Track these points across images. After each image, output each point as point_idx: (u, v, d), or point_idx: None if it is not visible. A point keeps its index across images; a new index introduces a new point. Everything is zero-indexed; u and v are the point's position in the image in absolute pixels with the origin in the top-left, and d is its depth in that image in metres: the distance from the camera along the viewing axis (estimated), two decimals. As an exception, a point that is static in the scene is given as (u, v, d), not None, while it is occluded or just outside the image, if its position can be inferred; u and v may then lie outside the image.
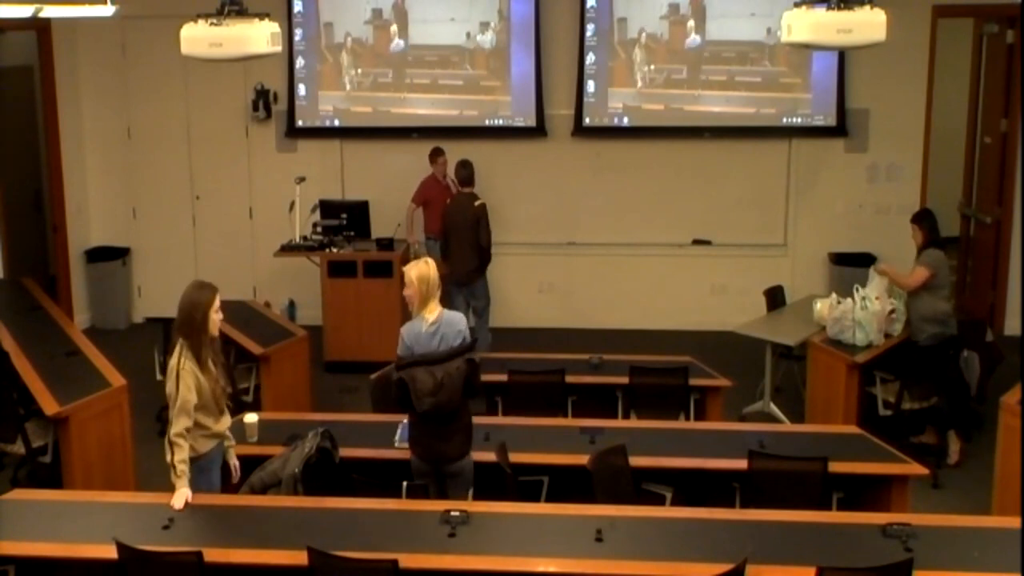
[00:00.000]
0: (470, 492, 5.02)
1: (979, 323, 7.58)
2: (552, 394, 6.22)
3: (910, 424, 6.79)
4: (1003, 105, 9.20)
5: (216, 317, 4.78)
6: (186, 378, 4.67)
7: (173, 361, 4.72)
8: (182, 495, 4.60)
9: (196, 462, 4.75)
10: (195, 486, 4.69)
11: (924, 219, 6.90)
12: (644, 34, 9.15)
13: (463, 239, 8.17)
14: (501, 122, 9.43)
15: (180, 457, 4.64)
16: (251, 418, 5.47)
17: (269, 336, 7.27)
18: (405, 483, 4.85)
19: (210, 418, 4.79)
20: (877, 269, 7.12)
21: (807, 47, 5.16)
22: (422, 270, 4.94)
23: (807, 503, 4.75)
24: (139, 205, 9.96)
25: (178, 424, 4.64)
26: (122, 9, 6.69)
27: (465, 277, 8.26)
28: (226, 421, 4.91)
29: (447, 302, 6.05)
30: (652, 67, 9.23)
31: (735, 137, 9.29)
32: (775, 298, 8.04)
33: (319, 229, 8.67)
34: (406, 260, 8.63)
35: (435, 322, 4.91)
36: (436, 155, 8.87)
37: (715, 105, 9.20)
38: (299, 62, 9.45)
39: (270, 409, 6.74)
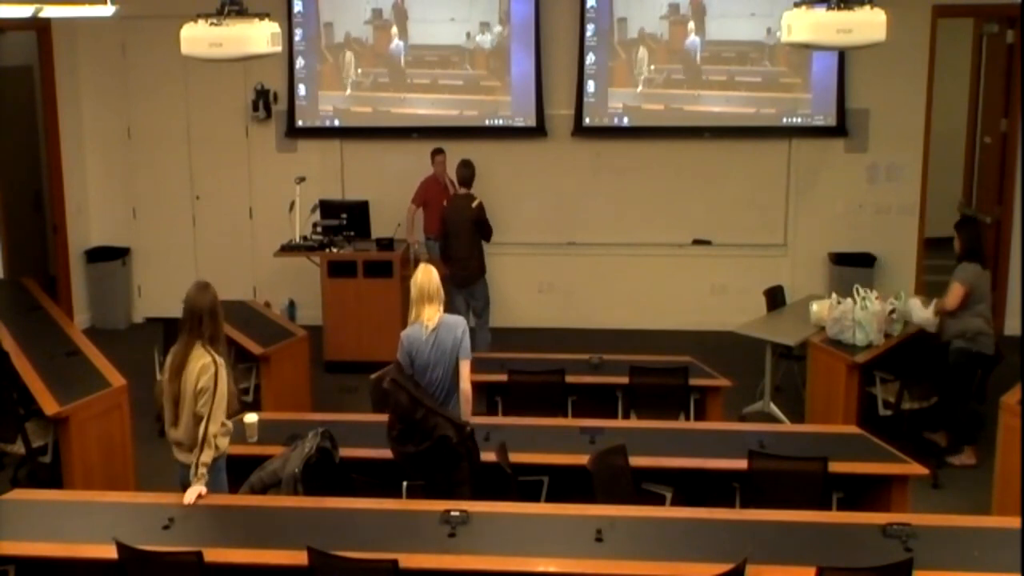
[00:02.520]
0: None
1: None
2: (552, 394, 6.22)
3: (911, 423, 6.79)
4: (1003, 105, 9.20)
5: None
6: (223, 375, 4.66)
7: (205, 359, 4.65)
8: (195, 491, 4.62)
9: (216, 461, 4.76)
10: (215, 485, 4.71)
11: (962, 227, 6.77)
12: (643, 34, 9.16)
13: (462, 240, 8.17)
14: (501, 122, 9.43)
15: (208, 458, 4.64)
16: (251, 418, 5.47)
17: (269, 336, 7.28)
18: (405, 483, 4.85)
19: (225, 415, 4.83)
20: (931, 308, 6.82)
21: (807, 47, 5.16)
22: (415, 275, 5.03)
23: (807, 503, 4.75)
24: (139, 205, 9.96)
25: (216, 422, 4.64)
26: (122, 9, 6.69)
27: (465, 279, 8.26)
28: None
29: (447, 303, 6.04)
30: (652, 67, 9.23)
31: (735, 137, 9.29)
32: (775, 298, 8.04)
33: (319, 229, 8.67)
34: (406, 260, 8.67)
35: (434, 329, 4.95)
36: (434, 154, 8.88)
37: (715, 105, 9.20)
38: (299, 62, 9.45)
39: (270, 409, 6.75)
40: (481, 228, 8.20)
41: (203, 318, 4.71)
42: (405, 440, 4.84)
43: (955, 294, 6.58)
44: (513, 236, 9.33)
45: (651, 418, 6.09)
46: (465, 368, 5.02)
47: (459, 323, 5.05)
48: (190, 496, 4.60)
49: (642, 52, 9.20)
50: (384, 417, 5.55)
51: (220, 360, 4.69)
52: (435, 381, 5.03)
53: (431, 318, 4.96)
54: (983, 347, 6.63)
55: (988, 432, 6.33)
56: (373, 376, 6.27)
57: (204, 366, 4.66)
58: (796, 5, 4.89)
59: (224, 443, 4.79)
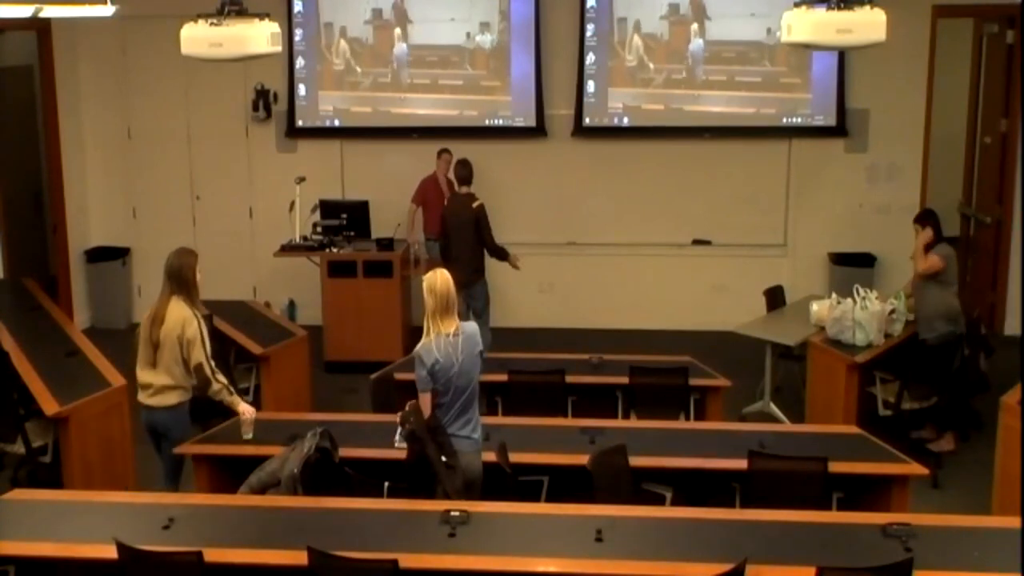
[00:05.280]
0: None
1: (976, 321, 7.57)
2: (552, 394, 6.22)
3: (910, 424, 6.79)
4: (1003, 105, 9.20)
5: (200, 278, 5.41)
6: (203, 327, 5.24)
7: (186, 312, 5.22)
8: (247, 407, 5.35)
9: (182, 404, 5.28)
10: (183, 430, 5.35)
11: (929, 218, 6.86)
12: (643, 34, 9.15)
13: (462, 240, 8.14)
14: (501, 122, 9.43)
15: (225, 384, 5.32)
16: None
17: (269, 336, 7.27)
18: (387, 483, 4.82)
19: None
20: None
21: (807, 47, 5.16)
22: (432, 282, 4.74)
23: (807, 503, 4.74)
24: (139, 205, 9.96)
25: (209, 361, 5.27)
26: (122, 9, 6.69)
27: (465, 278, 8.21)
28: None
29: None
30: (652, 67, 9.23)
31: (735, 137, 9.29)
32: (775, 298, 8.04)
33: (319, 229, 8.67)
34: (406, 260, 8.66)
35: (456, 335, 4.73)
36: (439, 154, 8.89)
37: (715, 105, 9.20)
38: (299, 62, 9.45)
39: (270, 409, 6.74)
40: (480, 230, 8.14)
41: (178, 275, 5.28)
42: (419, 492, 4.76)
43: (932, 261, 6.61)
44: (513, 236, 9.29)
45: (651, 418, 6.09)
46: None
47: (475, 329, 4.89)
48: (250, 410, 5.31)
49: (642, 52, 9.20)
50: (384, 417, 5.58)
51: (199, 314, 5.28)
52: (460, 389, 4.77)
53: (449, 328, 4.75)
54: (961, 327, 6.71)
55: (989, 431, 6.32)
56: (373, 376, 6.27)
57: (187, 318, 5.20)
58: (796, 5, 4.89)
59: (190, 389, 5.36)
